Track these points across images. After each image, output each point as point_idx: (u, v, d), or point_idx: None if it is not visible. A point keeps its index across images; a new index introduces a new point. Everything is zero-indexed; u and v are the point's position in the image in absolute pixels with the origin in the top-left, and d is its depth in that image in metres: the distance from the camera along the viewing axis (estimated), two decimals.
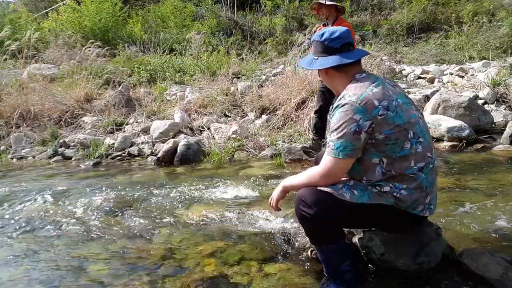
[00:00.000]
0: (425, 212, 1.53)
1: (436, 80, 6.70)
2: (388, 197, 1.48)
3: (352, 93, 1.45)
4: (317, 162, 2.08)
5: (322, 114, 3.95)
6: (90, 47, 7.97)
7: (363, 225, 1.76)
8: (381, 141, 1.43)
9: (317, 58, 1.60)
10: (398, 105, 1.44)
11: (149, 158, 4.44)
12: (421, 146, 1.46)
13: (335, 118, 1.45)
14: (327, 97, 3.83)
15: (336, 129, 1.44)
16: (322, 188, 1.51)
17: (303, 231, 2.05)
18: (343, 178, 1.58)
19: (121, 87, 6.35)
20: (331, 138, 1.46)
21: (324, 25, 3.83)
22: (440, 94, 4.74)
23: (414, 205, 1.50)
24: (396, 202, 1.48)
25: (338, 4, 3.76)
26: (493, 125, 4.49)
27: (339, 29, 1.58)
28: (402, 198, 1.48)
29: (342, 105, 1.44)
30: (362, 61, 1.66)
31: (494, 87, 5.09)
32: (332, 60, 1.54)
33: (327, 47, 1.56)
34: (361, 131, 1.40)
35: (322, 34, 1.58)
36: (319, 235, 1.58)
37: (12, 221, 2.63)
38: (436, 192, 1.59)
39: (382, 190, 1.49)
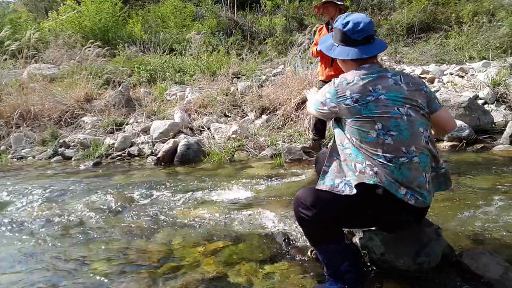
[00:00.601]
0: (410, 199, 1.49)
1: (436, 80, 6.69)
2: (369, 173, 1.49)
3: (342, 76, 1.61)
4: (317, 162, 2.09)
5: None
6: (90, 47, 7.97)
7: (361, 221, 1.70)
8: (348, 123, 1.57)
9: (337, 46, 1.68)
10: (375, 101, 1.50)
11: (149, 158, 4.44)
12: (390, 139, 1.49)
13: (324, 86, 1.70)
14: None
15: (319, 93, 1.72)
16: (320, 187, 1.56)
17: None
18: (345, 169, 1.58)
19: (121, 87, 6.35)
20: (317, 94, 1.75)
21: (327, 24, 3.81)
22: (440, 94, 4.74)
23: (395, 186, 1.47)
24: (376, 177, 1.48)
25: (340, 3, 3.73)
26: (493, 125, 4.49)
27: (363, 20, 1.60)
28: (380, 173, 1.48)
29: (330, 82, 1.65)
30: None
31: (494, 87, 5.09)
32: (352, 54, 1.61)
33: (349, 38, 1.61)
34: (325, 104, 1.64)
35: (346, 23, 1.61)
36: (319, 236, 1.58)
37: (12, 221, 2.63)
38: (423, 186, 1.52)
39: (364, 163, 1.50)
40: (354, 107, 1.52)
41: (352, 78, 1.56)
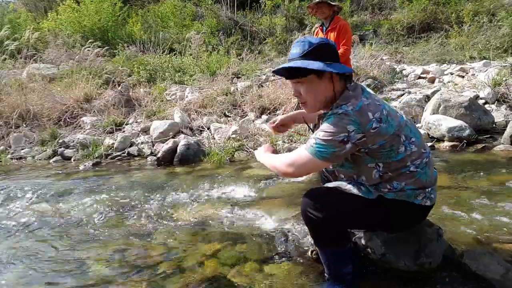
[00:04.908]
0: (426, 201, 1.52)
1: (437, 80, 6.68)
2: (384, 191, 1.51)
3: (350, 104, 1.41)
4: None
5: None
6: (89, 47, 7.96)
7: (370, 225, 1.69)
8: (375, 150, 1.42)
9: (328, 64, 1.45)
10: (388, 114, 1.42)
11: (148, 158, 4.44)
12: (414, 146, 1.47)
13: (329, 121, 1.40)
14: None
15: (325, 131, 1.38)
16: (329, 185, 1.55)
17: (304, 232, 2.05)
18: (343, 183, 1.58)
19: (120, 87, 6.35)
20: (316, 135, 1.41)
21: (321, 26, 3.79)
22: (441, 94, 4.73)
23: (414, 194, 1.50)
24: (396, 193, 1.49)
25: (334, 3, 3.71)
26: (494, 125, 4.48)
27: (330, 41, 1.53)
28: (400, 190, 1.49)
29: (339, 114, 1.38)
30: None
31: (494, 87, 5.08)
32: (346, 68, 1.49)
33: (337, 56, 1.50)
34: (348, 141, 1.36)
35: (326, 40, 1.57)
36: (325, 238, 1.55)
37: (12, 222, 2.62)
38: (435, 183, 1.59)
39: (380, 189, 1.51)
40: (381, 127, 1.37)
41: (360, 98, 1.41)
